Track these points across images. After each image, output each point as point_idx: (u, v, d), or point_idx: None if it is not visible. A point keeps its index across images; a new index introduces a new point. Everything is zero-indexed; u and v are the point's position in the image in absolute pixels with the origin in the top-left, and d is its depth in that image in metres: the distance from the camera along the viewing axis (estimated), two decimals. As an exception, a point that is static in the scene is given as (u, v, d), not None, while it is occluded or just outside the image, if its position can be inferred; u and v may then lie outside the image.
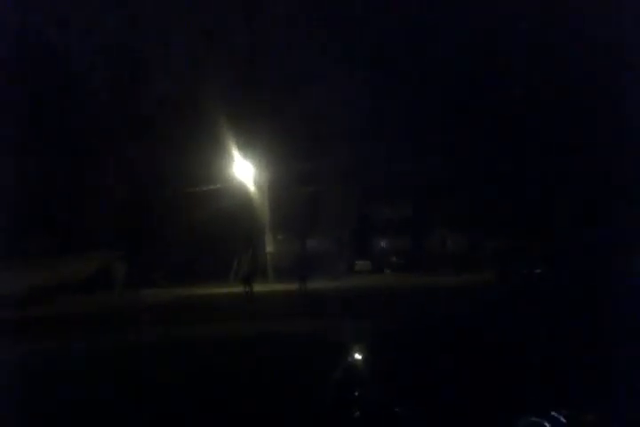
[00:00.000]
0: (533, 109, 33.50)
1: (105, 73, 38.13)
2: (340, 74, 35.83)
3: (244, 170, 34.95)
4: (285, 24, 36.57)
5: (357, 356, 3.77)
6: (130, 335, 14.13)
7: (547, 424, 2.81)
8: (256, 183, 35.40)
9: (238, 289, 22.95)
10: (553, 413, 2.84)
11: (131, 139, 34.22)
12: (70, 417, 7.30)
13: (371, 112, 36.53)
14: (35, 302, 22.97)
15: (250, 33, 36.58)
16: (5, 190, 31.05)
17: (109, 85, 38.51)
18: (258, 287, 24.38)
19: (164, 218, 34.79)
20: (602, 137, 30.73)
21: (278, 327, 13.96)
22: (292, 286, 25.66)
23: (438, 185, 37.50)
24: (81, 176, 34.36)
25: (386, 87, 35.83)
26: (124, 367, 10.23)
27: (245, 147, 33.96)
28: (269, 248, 34.59)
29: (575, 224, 32.08)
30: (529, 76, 33.68)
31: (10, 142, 31.53)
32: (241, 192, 35.65)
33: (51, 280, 23.65)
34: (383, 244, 42.65)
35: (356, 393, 3.34)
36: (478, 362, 3.25)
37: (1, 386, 8.68)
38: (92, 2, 36.21)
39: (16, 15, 33.99)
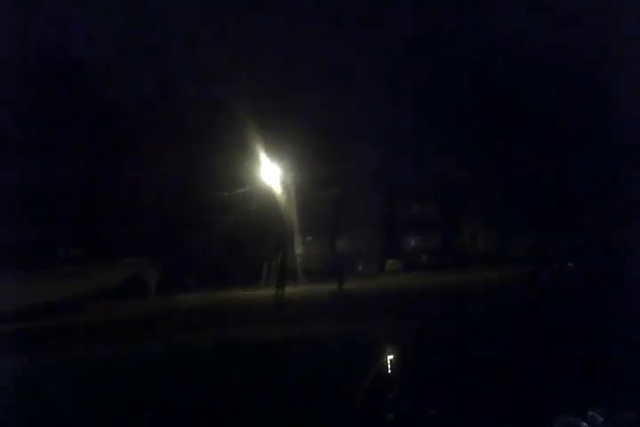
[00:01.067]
0: (562, 108, 33.22)
1: (130, 75, 38.39)
2: (367, 75, 35.78)
3: (270, 172, 34.99)
4: (313, 27, 36.49)
5: (390, 358, 3.72)
6: (165, 340, 14.21)
7: (584, 424, 2.74)
8: (283, 185, 35.41)
9: (270, 292, 22.97)
10: (590, 412, 2.77)
11: (157, 144, 34.38)
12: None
13: (396, 111, 36.40)
14: (66, 310, 23.26)
15: (278, 37, 36.58)
16: (32, 199, 31.50)
17: (136, 88, 38.77)
18: (288, 289, 24.42)
19: (193, 223, 34.99)
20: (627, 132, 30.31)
21: (312, 330, 13.92)
22: (323, 288, 25.68)
23: (466, 181, 37.31)
24: (108, 183, 34.68)
25: (412, 87, 35.68)
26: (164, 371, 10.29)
27: (271, 149, 34.03)
28: (299, 250, 34.58)
29: (605, 215, 31.73)
30: (555, 76, 33.32)
31: (36, 151, 31.96)
32: (268, 195, 35.71)
33: (81, 288, 23.84)
34: (413, 242, 42.54)
35: (390, 396, 3.30)
36: (512, 363, 3.19)
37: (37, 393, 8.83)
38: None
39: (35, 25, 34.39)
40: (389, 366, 3.61)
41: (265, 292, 24.42)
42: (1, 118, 30.32)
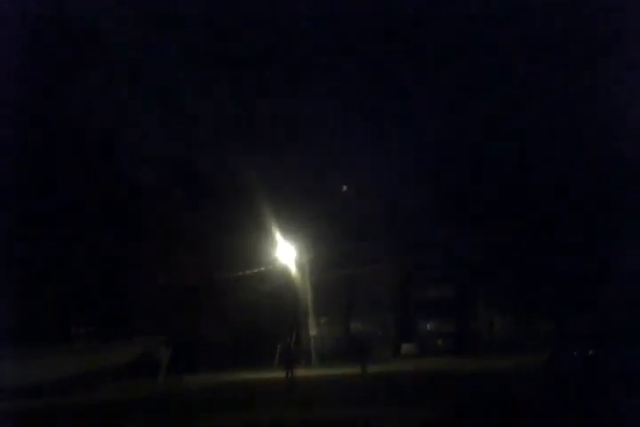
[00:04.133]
0: (577, 184, 33.43)
1: (149, 161, 39.34)
2: (378, 158, 36.45)
3: (286, 252, 35.13)
4: (325, 107, 37.53)
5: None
6: (174, 423, 13.95)
7: None
8: (298, 266, 35.46)
9: (283, 374, 22.52)
10: None
11: (174, 226, 34.83)
12: None
13: (410, 194, 36.77)
14: (78, 388, 22.98)
15: (289, 118, 37.63)
16: (48, 277, 31.64)
17: (154, 174, 39.59)
18: (302, 372, 24.01)
19: (208, 303, 34.90)
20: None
21: (322, 415, 13.60)
22: (336, 371, 25.22)
23: (482, 265, 37.13)
24: (124, 262, 34.83)
25: (423, 171, 36.23)
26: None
27: (287, 230, 34.32)
28: (313, 332, 34.08)
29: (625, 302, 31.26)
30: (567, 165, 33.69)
31: (53, 225, 32.20)
32: (283, 275, 35.77)
33: (94, 366, 23.61)
34: (428, 326, 41.91)
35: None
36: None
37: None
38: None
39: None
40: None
41: (278, 374, 23.95)
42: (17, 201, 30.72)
